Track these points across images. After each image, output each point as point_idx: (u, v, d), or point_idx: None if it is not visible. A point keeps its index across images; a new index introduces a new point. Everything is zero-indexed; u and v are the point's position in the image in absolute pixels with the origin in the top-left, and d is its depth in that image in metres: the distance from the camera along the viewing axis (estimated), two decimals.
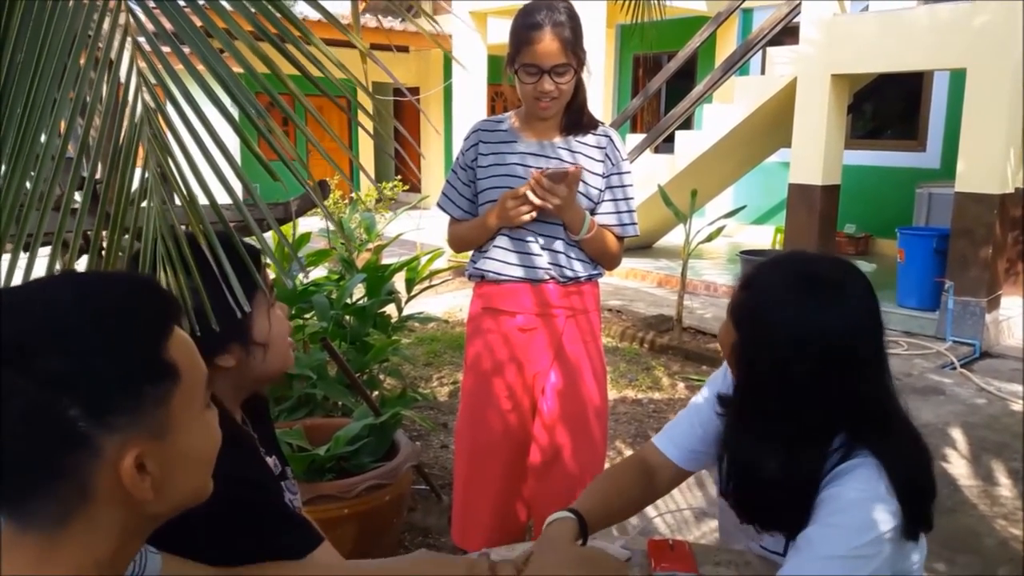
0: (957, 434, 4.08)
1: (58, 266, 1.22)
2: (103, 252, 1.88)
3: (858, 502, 1.22)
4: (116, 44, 1.12)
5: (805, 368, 1.24)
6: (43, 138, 1.06)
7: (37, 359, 0.72)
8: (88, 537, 0.76)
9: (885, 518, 1.21)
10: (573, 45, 2.01)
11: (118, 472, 0.75)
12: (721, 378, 1.54)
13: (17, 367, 0.72)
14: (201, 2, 1.18)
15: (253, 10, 1.14)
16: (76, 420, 0.73)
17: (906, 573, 1.35)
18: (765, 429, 1.29)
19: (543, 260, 2.13)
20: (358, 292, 3.52)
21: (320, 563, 1.19)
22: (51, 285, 0.83)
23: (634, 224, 2.19)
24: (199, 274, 1.15)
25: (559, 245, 2.13)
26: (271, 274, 1.39)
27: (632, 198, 2.19)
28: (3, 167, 1.06)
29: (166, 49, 1.17)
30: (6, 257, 1.13)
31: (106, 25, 1.12)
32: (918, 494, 1.27)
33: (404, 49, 10.53)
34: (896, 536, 1.23)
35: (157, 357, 0.79)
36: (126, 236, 1.20)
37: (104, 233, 1.22)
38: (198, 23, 1.15)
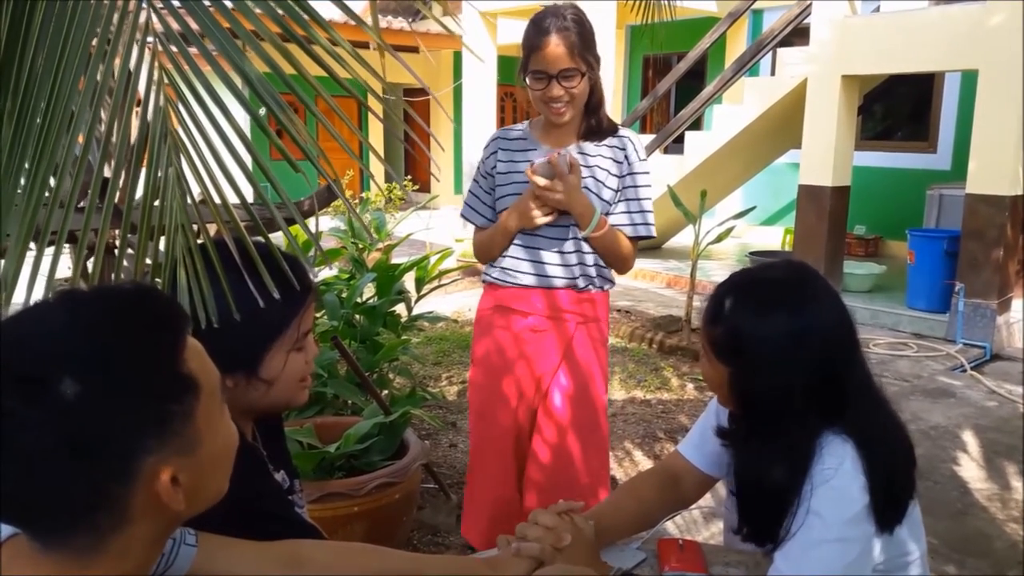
0: (968, 437, 4.06)
1: (68, 264, 1.21)
2: (114, 251, 1.88)
3: (829, 487, 1.24)
4: (136, 44, 1.13)
5: (801, 373, 1.27)
6: (65, 136, 1.06)
7: (54, 394, 0.69)
8: (122, 554, 0.76)
9: (856, 495, 1.23)
10: (581, 49, 2.01)
11: (154, 491, 0.74)
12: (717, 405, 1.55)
13: (37, 404, 0.69)
14: (227, 2, 1.18)
15: (280, 11, 1.14)
16: (107, 452, 0.71)
17: (903, 563, 1.36)
18: (774, 444, 1.30)
19: (556, 268, 2.14)
20: (368, 291, 3.53)
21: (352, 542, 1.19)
22: (52, 311, 0.76)
23: (648, 225, 2.18)
24: (230, 288, 1.10)
25: (573, 255, 2.13)
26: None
27: (648, 199, 2.18)
28: (26, 165, 1.07)
29: (192, 50, 1.18)
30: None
31: (127, 24, 1.13)
32: (890, 476, 1.28)
33: (413, 50, 10.55)
34: (870, 515, 1.24)
35: (177, 373, 0.76)
36: (133, 235, 1.20)
37: (117, 232, 1.23)
38: (223, 23, 1.16)
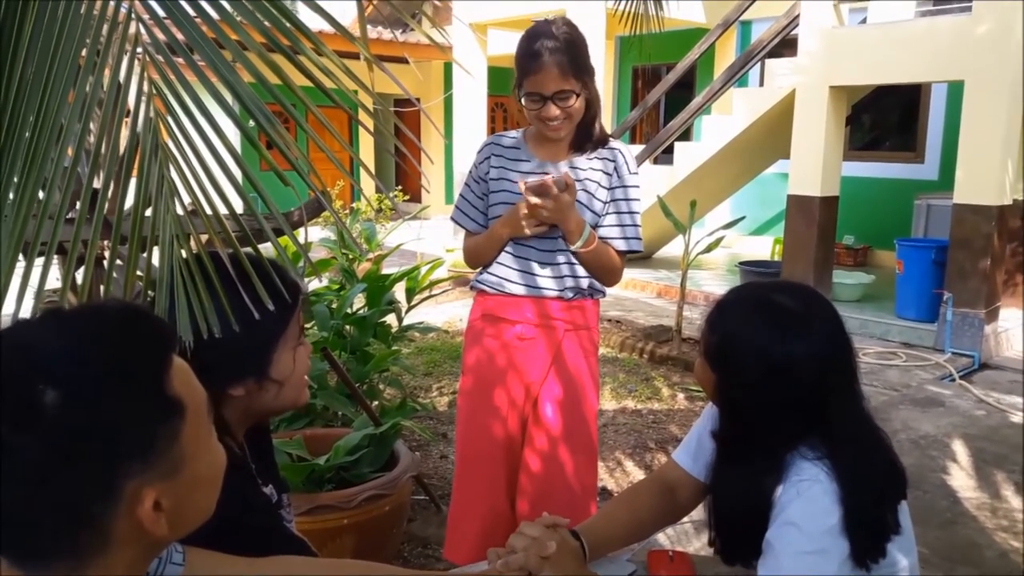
0: (957, 446, 4.08)
1: (57, 274, 1.20)
2: (102, 262, 1.88)
3: (805, 498, 1.24)
4: (126, 56, 1.13)
5: (779, 399, 1.28)
6: (54, 149, 1.06)
7: (37, 416, 0.67)
8: None
9: (832, 508, 1.23)
10: (575, 70, 2.00)
11: (136, 515, 0.73)
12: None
13: (20, 426, 0.67)
14: (213, 15, 1.18)
15: (266, 23, 1.14)
16: (90, 475, 0.70)
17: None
18: (748, 461, 1.32)
19: (546, 277, 2.14)
20: (359, 302, 3.52)
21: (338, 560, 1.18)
22: (36, 331, 0.75)
23: (637, 239, 2.18)
24: (226, 298, 1.10)
25: (564, 265, 2.13)
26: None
27: (637, 212, 2.18)
28: (15, 177, 1.06)
29: (178, 60, 1.18)
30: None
31: (116, 36, 1.13)
32: (866, 509, 1.27)
33: (403, 60, 10.58)
34: (843, 529, 1.24)
35: (163, 394, 0.75)
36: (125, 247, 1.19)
37: (107, 242, 1.23)
38: (208, 34, 1.16)
